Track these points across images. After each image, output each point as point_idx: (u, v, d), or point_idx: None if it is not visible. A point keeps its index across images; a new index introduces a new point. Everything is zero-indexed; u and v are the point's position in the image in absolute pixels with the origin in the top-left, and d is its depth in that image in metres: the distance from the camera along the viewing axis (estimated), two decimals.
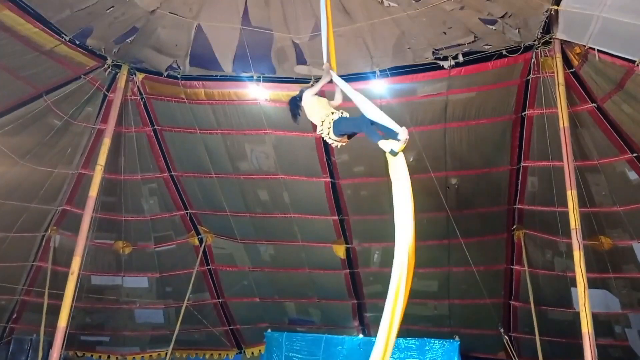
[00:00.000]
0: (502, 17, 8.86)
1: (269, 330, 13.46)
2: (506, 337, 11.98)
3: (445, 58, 9.72)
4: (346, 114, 6.12)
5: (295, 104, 6.51)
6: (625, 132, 9.67)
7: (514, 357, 12.20)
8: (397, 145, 5.31)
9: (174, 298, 14.16)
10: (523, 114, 10.41)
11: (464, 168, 11.42)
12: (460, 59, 9.67)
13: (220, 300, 14.48)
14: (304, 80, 10.02)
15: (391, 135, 5.43)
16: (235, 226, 13.13)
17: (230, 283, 14.25)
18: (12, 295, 13.25)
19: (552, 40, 9.18)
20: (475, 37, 9.33)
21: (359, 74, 10.28)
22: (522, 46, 9.40)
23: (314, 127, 6.41)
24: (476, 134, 10.83)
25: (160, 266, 13.87)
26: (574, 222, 8.56)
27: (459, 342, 12.24)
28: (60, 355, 9.80)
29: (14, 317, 13.66)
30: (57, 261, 12.67)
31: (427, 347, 12.35)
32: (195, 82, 10.85)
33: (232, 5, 9.47)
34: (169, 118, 11.66)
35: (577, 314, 8.55)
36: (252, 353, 15.04)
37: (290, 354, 13.00)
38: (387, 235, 12.66)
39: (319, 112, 6.16)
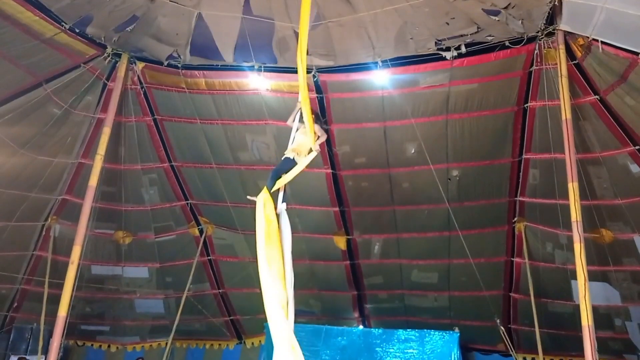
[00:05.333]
0: (506, 7, 8.78)
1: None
2: (503, 329, 11.97)
3: (447, 49, 9.65)
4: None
5: None
6: (628, 124, 9.62)
7: (511, 349, 12.23)
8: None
9: (174, 288, 14.19)
10: (525, 105, 10.37)
11: (465, 160, 11.38)
12: (463, 50, 9.61)
13: (220, 290, 14.51)
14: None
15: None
16: (235, 217, 13.11)
17: (230, 273, 14.26)
18: (12, 284, 13.27)
19: (555, 31, 9.13)
20: (478, 28, 9.25)
21: (360, 64, 10.23)
22: (525, 37, 9.34)
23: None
24: (478, 125, 10.78)
25: (161, 256, 13.89)
26: (575, 214, 8.52)
27: (458, 334, 12.26)
28: (61, 344, 9.84)
29: (14, 306, 13.68)
30: (57, 251, 12.69)
31: (426, 339, 12.38)
32: (196, 72, 10.80)
33: None
34: (170, 108, 11.62)
35: (577, 307, 8.53)
36: (252, 343, 15.06)
37: None
38: (388, 226, 12.75)
39: None
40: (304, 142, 6.92)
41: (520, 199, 11.71)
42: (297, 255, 13.30)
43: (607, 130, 9.88)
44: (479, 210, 12.01)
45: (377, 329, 13.34)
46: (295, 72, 9.49)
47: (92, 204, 10.34)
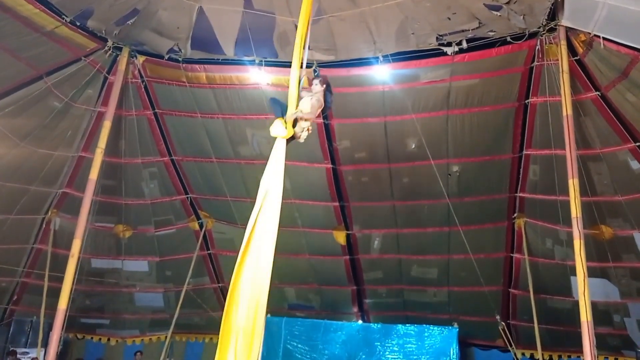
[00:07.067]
0: (507, 3, 8.79)
1: (269, 316, 13.43)
2: (503, 325, 12.00)
3: (449, 44, 9.64)
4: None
5: None
6: (629, 120, 9.62)
7: (511, 345, 12.25)
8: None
9: (174, 282, 14.21)
10: (526, 101, 10.36)
11: (465, 155, 11.38)
12: (464, 45, 9.60)
13: (220, 284, 14.52)
14: (306, 65, 9.94)
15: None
16: (235, 211, 13.12)
17: (230, 268, 14.19)
18: (12, 277, 13.28)
19: (557, 27, 9.12)
20: (479, 23, 9.25)
21: (361, 59, 10.21)
22: (527, 33, 9.33)
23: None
24: (479, 121, 10.77)
25: (161, 250, 13.91)
26: (575, 210, 8.54)
27: (457, 329, 12.29)
28: (61, 337, 9.88)
29: (14, 299, 13.71)
30: (57, 244, 12.71)
31: (425, 334, 12.42)
32: (197, 66, 10.79)
33: None
34: (170, 102, 11.61)
35: (577, 303, 8.57)
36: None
37: (289, 339, 13.06)
38: (387, 222, 12.75)
39: None
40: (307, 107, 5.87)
41: (521, 194, 11.70)
42: (297, 250, 13.43)
43: (608, 127, 9.88)
44: (479, 205, 12.01)
45: (376, 324, 13.37)
46: None
47: (92, 198, 10.37)
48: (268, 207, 5.13)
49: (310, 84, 6.25)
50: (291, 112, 5.53)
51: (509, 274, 12.85)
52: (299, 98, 5.83)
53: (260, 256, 5.11)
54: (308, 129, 5.75)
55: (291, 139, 5.63)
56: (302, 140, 5.79)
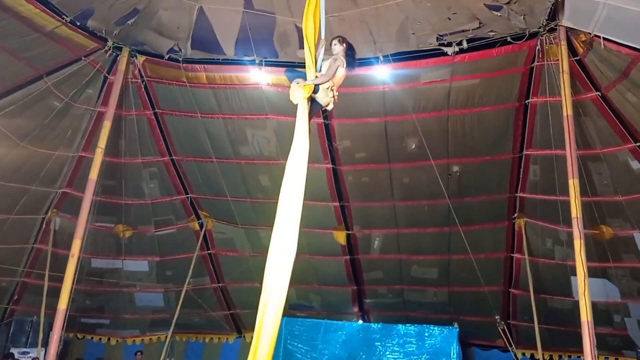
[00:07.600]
0: (508, 3, 8.79)
1: None
2: (503, 326, 11.99)
3: (449, 44, 9.63)
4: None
5: None
6: (629, 121, 9.62)
7: (511, 345, 12.26)
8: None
9: (174, 282, 14.20)
10: (526, 101, 10.36)
11: (466, 155, 11.38)
12: (465, 45, 9.59)
13: (220, 284, 14.52)
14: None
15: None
16: (235, 211, 13.12)
17: (230, 267, 14.27)
18: (12, 277, 13.29)
19: (557, 27, 9.12)
20: (480, 23, 9.24)
21: (361, 59, 10.16)
22: (527, 33, 9.33)
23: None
24: (479, 121, 10.77)
25: (161, 250, 13.90)
26: (575, 211, 8.53)
27: (457, 329, 12.30)
28: (61, 337, 9.86)
29: (14, 298, 13.72)
30: (58, 244, 12.70)
31: (426, 334, 12.43)
32: (197, 66, 10.78)
33: None
34: (170, 101, 11.61)
35: (577, 303, 8.56)
36: (252, 337, 15.03)
37: (289, 339, 13.07)
38: (387, 222, 12.72)
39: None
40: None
41: (521, 194, 11.71)
42: (297, 250, 13.34)
43: (608, 127, 9.89)
44: (479, 206, 12.01)
45: (376, 324, 13.38)
46: (297, 66, 9.48)
47: (92, 197, 10.35)
48: (294, 171, 5.18)
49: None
50: (311, 78, 5.27)
51: (509, 274, 12.86)
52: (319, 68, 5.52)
53: (288, 223, 4.95)
54: (332, 89, 5.43)
55: (319, 106, 5.44)
56: (330, 107, 5.54)
